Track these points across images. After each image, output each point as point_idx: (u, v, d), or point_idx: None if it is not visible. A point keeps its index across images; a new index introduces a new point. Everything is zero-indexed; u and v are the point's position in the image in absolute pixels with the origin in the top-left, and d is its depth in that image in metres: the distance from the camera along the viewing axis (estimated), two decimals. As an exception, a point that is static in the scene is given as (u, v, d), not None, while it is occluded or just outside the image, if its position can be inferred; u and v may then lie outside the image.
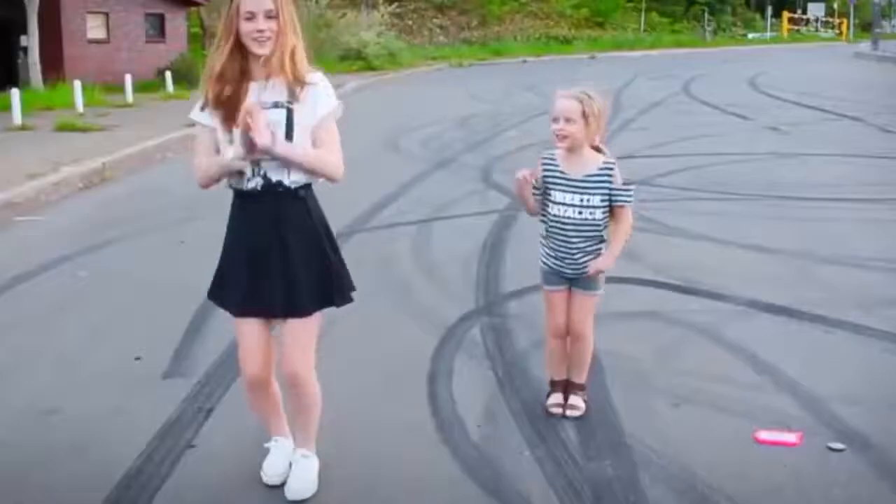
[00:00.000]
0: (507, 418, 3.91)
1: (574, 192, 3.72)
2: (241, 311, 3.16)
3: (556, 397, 3.96)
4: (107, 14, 23.67)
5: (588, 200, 3.71)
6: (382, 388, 4.28)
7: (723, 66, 30.17)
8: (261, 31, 2.95)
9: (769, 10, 56.35)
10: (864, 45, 39.44)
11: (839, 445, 3.58)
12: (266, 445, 3.41)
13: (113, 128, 13.91)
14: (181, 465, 3.53)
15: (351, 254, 6.77)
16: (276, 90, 3.03)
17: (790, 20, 57.20)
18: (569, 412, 3.89)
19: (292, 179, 3.06)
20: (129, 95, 18.18)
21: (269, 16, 2.96)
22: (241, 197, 3.12)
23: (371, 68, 29.66)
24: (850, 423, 3.78)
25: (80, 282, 6.21)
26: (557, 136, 3.68)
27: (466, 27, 44.61)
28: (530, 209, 3.86)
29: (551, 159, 3.78)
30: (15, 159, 10.67)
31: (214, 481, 3.38)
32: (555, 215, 3.77)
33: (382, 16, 35.57)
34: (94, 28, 23.38)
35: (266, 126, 2.92)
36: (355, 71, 28.57)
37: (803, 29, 58.30)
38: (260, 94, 3.01)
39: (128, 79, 18.40)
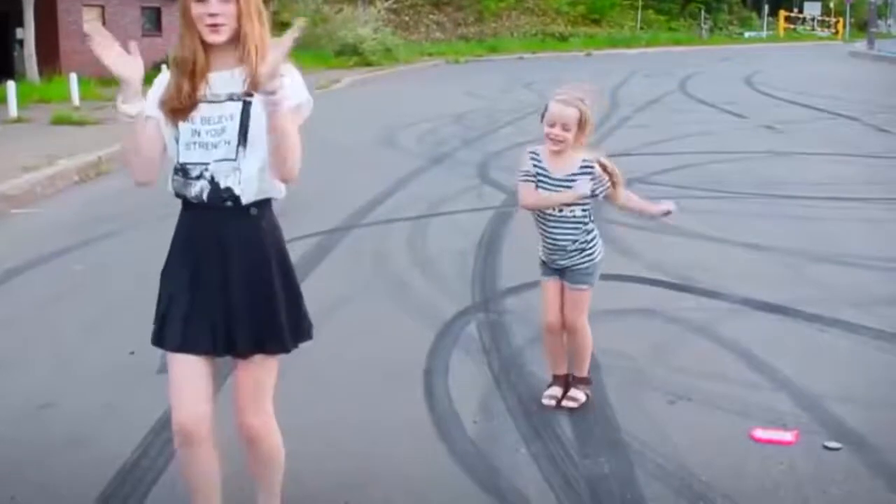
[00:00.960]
0: (503, 414, 3.91)
1: (555, 190, 3.75)
2: (178, 345, 2.65)
3: (553, 390, 3.98)
4: (103, 7, 23.64)
5: None
6: (379, 385, 4.28)
7: (719, 64, 30.20)
8: (213, 15, 2.46)
9: (766, 9, 56.39)
10: (860, 45, 39.47)
11: (835, 444, 3.58)
12: None
13: (109, 121, 13.87)
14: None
15: (347, 250, 6.87)
16: (234, 81, 2.54)
17: (786, 19, 57.22)
18: (565, 402, 3.91)
19: (243, 187, 2.56)
20: (125, 89, 18.12)
21: None
22: (186, 209, 2.66)
23: (367, 64, 29.70)
24: (846, 422, 3.78)
25: (76, 275, 6.20)
26: (552, 139, 3.70)
27: (463, 23, 44.62)
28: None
29: (536, 155, 3.81)
30: (10, 152, 10.65)
31: (210, 476, 3.36)
32: (540, 210, 3.82)
33: (379, 11, 35.56)
34: (91, 21, 23.32)
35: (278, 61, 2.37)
36: (351, 67, 28.63)
37: (800, 28, 58.33)
38: (215, 87, 2.55)
39: (124, 72, 18.33)
